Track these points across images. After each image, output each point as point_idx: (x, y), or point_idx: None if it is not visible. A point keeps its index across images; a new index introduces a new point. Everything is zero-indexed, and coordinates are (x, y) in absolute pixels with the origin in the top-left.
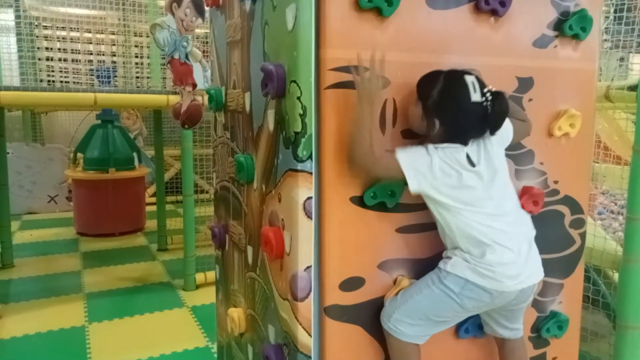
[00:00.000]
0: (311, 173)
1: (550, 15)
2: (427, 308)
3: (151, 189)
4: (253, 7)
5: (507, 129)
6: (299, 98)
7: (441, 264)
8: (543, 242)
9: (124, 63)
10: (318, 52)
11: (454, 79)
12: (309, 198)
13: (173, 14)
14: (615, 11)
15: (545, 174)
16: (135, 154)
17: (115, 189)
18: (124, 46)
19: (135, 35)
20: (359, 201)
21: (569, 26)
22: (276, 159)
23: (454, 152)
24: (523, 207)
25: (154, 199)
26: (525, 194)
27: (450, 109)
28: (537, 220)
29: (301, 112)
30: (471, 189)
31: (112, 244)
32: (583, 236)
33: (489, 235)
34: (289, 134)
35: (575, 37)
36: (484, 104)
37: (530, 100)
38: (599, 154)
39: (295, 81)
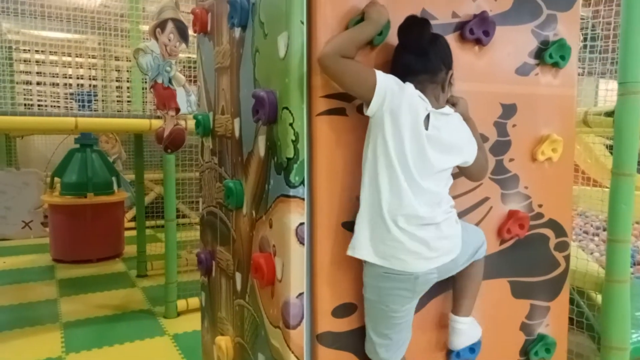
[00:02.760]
0: (303, 199)
1: (531, 44)
2: (376, 318)
3: (130, 214)
4: (243, 35)
5: (471, 147)
6: (291, 124)
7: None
8: (529, 265)
9: (103, 87)
10: (310, 79)
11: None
12: (301, 224)
13: (157, 39)
14: (584, 39)
15: (530, 198)
16: (114, 178)
17: (94, 214)
18: (104, 70)
19: (115, 59)
20: (351, 227)
21: (549, 55)
22: (267, 184)
23: (419, 103)
24: (509, 231)
25: (132, 224)
26: (511, 218)
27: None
28: (522, 243)
29: (293, 138)
30: (410, 148)
31: (90, 270)
32: (567, 259)
33: (392, 208)
34: (281, 160)
35: (555, 65)
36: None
37: (514, 125)
38: (574, 176)
39: (287, 108)
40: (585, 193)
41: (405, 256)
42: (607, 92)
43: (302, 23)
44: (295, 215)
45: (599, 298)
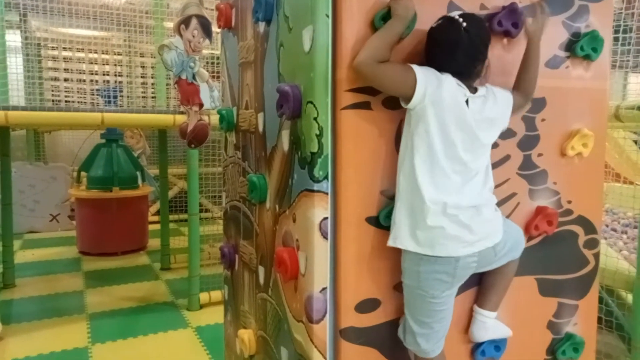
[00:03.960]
0: (327, 193)
1: (561, 36)
2: (415, 305)
3: (154, 207)
4: (267, 29)
5: (506, 113)
6: (315, 119)
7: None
8: (557, 263)
9: (129, 83)
10: (334, 73)
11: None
12: (325, 218)
13: (181, 35)
14: (616, 32)
15: (558, 194)
16: (138, 173)
17: (119, 208)
18: (129, 66)
19: (140, 56)
20: (375, 221)
21: (581, 47)
22: (291, 179)
23: (459, 90)
24: (537, 227)
25: (156, 218)
26: (539, 214)
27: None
28: (551, 240)
29: (318, 132)
30: (454, 130)
31: (115, 263)
32: (597, 256)
33: (433, 195)
34: (305, 154)
35: (587, 57)
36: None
37: (543, 120)
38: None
39: (311, 102)
40: (613, 190)
41: (447, 241)
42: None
43: (328, 16)
44: (319, 210)
45: (629, 297)
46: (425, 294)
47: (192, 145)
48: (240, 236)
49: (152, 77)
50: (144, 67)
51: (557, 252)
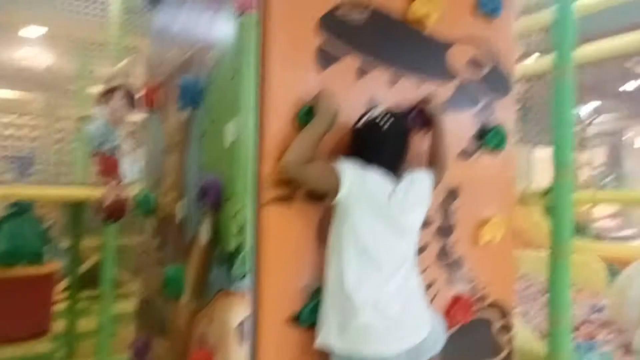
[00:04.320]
0: (246, 293)
1: (471, 129)
2: None
3: (63, 284)
4: (192, 117)
5: (428, 192)
6: (235, 215)
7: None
8: (473, 351)
9: (45, 150)
10: (258, 168)
11: None
12: (244, 320)
13: (104, 106)
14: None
15: (474, 280)
16: (46, 248)
17: (18, 288)
18: (46, 133)
19: (58, 121)
20: (297, 320)
21: (489, 139)
22: (209, 275)
23: (384, 183)
24: (453, 317)
25: (62, 296)
26: (456, 304)
27: None
28: (466, 328)
29: (238, 229)
30: (380, 221)
31: (8, 352)
32: (511, 341)
33: (362, 291)
34: (224, 251)
35: (495, 148)
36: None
37: (457, 209)
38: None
39: (232, 197)
40: (524, 256)
41: (377, 339)
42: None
43: (251, 112)
44: (237, 312)
45: None
46: None
47: (109, 221)
48: (154, 332)
49: (70, 150)
50: (61, 132)
51: (473, 339)
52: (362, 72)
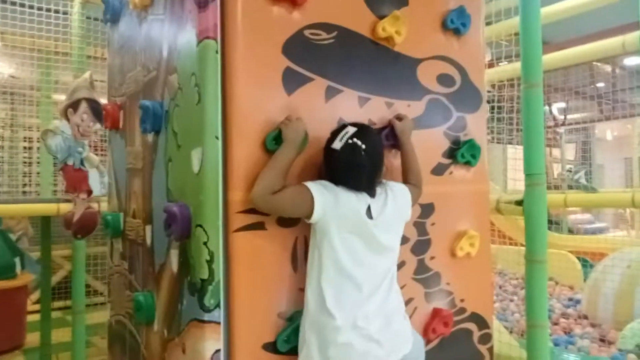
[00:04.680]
0: (219, 323)
1: (444, 145)
2: None
3: (35, 296)
4: (156, 140)
5: (407, 206)
6: (205, 243)
7: None
8: None
9: (10, 162)
10: (226, 195)
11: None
12: (217, 351)
13: (68, 119)
14: (492, 111)
15: (452, 294)
16: (17, 260)
17: None
18: (11, 141)
19: (27, 129)
20: (273, 348)
21: (461, 154)
22: (180, 304)
23: (358, 201)
24: (434, 330)
25: (37, 306)
26: (435, 317)
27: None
28: (448, 341)
29: (208, 258)
30: (357, 240)
31: None
32: (491, 350)
33: (342, 311)
34: (195, 280)
35: (467, 163)
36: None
37: (432, 224)
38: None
39: (201, 225)
40: (502, 251)
41: (357, 358)
42: (516, 160)
43: (217, 138)
44: (210, 343)
45: None
46: None
47: (79, 236)
48: (126, 357)
49: (37, 162)
50: (28, 140)
51: (454, 351)
52: (331, 93)
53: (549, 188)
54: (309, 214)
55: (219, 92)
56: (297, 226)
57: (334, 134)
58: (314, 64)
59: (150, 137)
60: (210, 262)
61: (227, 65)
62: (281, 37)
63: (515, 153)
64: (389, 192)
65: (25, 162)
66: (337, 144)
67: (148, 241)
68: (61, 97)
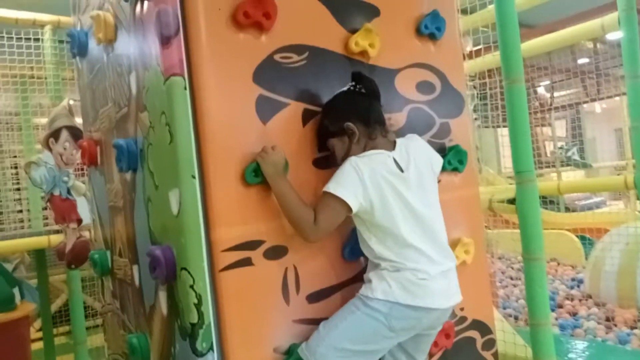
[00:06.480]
0: None
1: None
2: (354, 336)
3: (38, 323)
4: (134, 178)
5: (437, 157)
6: (192, 286)
7: (363, 291)
8: None
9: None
10: (208, 234)
11: (327, 102)
12: None
13: (50, 150)
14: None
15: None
16: (16, 290)
17: None
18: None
19: (13, 157)
20: None
21: (448, 161)
22: (173, 347)
23: (381, 158)
24: (436, 344)
25: (40, 334)
26: None
27: (341, 106)
28: (451, 352)
29: (196, 301)
30: (399, 195)
31: None
32: (495, 355)
33: (417, 250)
34: (185, 325)
35: (455, 170)
36: (355, 87)
37: None
38: (489, 220)
39: (185, 268)
40: (503, 236)
41: (432, 293)
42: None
43: (194, 177)
44: None
45: None
46: (386, 331)
47: (72, 266)
48: None
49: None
50: (15, 168)
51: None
52: (308, 116)
53: (542, 167)
54: (350, 211)
55: (191, 129)
56: (286, 256)
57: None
58: (287, 89)
59: (128, 175)
60: (198, 305)
61: (197, 100)
62: (251, 64)
63: (502, 131)
64: (404, 140)
65: (14, 190)
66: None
67: (136, 281)
68: (42, 121)
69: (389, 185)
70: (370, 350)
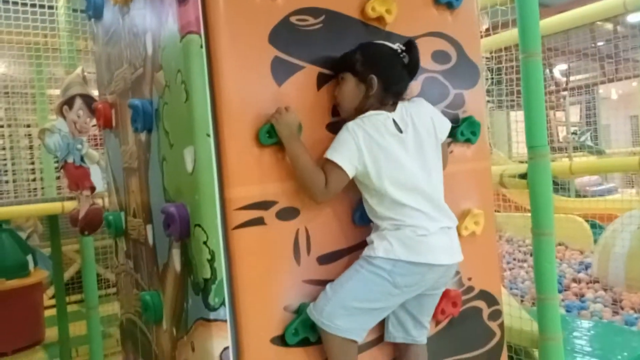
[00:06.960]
0: (226, 321)
1: None
2: (360, 294)
3: (51, 291)
4: (149, 139)
5: (442, 122)
6: (205, 242)
7: (366, 251)
8: (466, 341)
9: (12, 161)
10: (222, 193)
11: (369, 42)
12: (226, 348)
13: (64, 117)
14: (492, 79)
15: (459, 273)
16: (29, 258)
17: (6, 301)
18: (11, 139)
19: (27, 127)
20: (281, 341)
21: (461, 132)
22: (185, 302)
23: (380, 119)
24: (443, 311)
25: (53, 301)
26: (444, 298)
27: (380, 59)
28: (458, 320)
29: (209, 257)
30: (395, 157)
31: None
32: (502, 326)
33: (413, 209)
34: (198, 280)
35: (468, 141)
36: (402, 54)
37: None
38: (500, 205)
39: (199, 225)
40: (511, 219)
41: (436, 249)
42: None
43: (209, 136)
44: (218, 341)
45: (536, 353)
46: (390, 288)
47: (86, 233)
48: (139, 354)
49: (38, 163)
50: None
51: (465, 330)
52: (323, 80)
53: (555, 152)
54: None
55: (207, 88)
56: (298, 218)
57: (368, 44)
58: (303, 52)
59: (143, 136)
60: (211, 261)
61: (213, 59)
62: (266, 25)
63: (516, 116)
64: (405, 103)
65: (28, 160)
66: (395, 47)
67: (150, 241)
68: (55, 92)
69: (385, 146)
70: (376, 308)
